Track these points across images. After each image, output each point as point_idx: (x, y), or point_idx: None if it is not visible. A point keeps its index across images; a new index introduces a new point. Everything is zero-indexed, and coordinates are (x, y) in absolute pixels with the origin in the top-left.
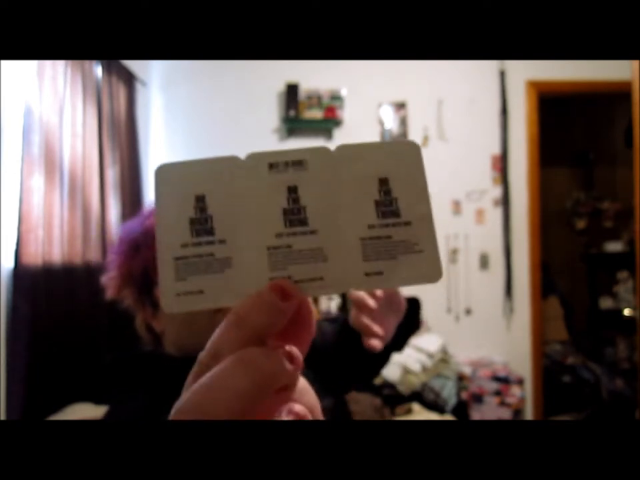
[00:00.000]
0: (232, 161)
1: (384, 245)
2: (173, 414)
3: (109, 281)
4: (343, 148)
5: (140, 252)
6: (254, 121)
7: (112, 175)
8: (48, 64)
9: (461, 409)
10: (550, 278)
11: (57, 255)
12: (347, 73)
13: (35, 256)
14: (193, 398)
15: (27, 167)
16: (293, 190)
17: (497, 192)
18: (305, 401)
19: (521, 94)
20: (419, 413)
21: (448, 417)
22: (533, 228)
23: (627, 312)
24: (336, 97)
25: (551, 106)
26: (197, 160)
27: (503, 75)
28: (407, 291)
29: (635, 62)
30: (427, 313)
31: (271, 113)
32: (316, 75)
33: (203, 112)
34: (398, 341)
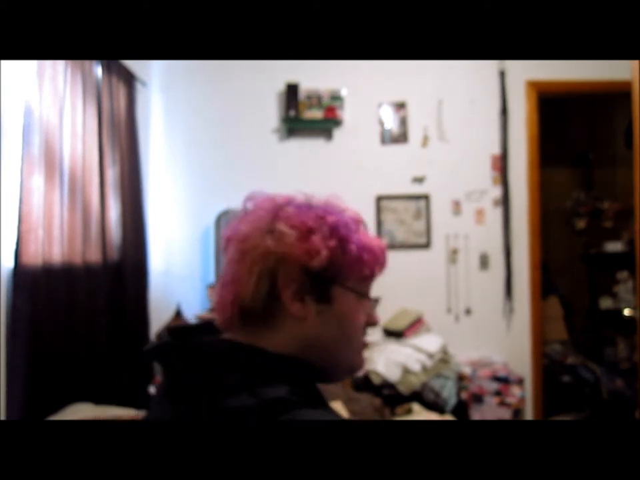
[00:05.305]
0: None
1: None
2: None
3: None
4: None
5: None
6: (254, 121)
7: (112, 174)
8: (48, 64)
9: (461, 409)
10: (550, 278)
11: (57, 255)
12: (347, 73)
13: (34, 256)
14: None
15: (27, 166)
16: None
17: (497, 192)
18: None
19: (521, 94)
20: (419, 413)
21: (448, 417)
22: (532, 228)
23: (626, 312)
24: (336, 97)
25: (551, 106)
26: None
27: (503, 75)
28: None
29: (635, 62)
30: (427, 312)
31: (271, 113)
32: (316, 75)
33: (202, 112)
34: None
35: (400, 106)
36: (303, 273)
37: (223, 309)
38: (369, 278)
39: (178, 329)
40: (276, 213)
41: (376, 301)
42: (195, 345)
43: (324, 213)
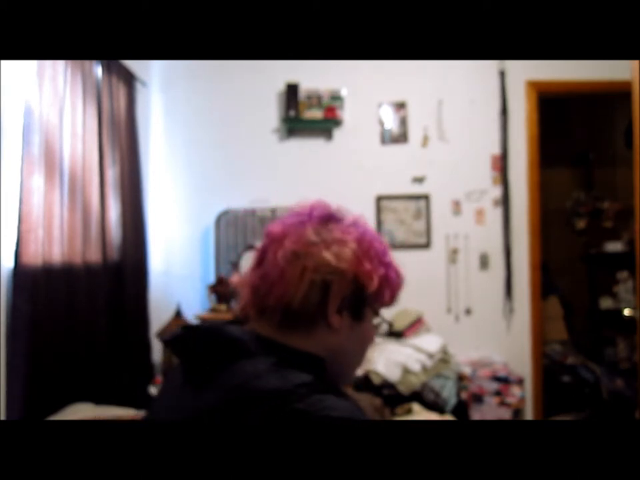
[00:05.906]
0: None
1: None
2: None
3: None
4: None
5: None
6: (254, 121)
7: (112, 174)
8: (48, 64)
9: (461, 409)
10: (550, 278)
11: (57, 255)
12: (347, 73)
13: (34, 256)
14: None
15: (27, 166)
16: None
17: (497, 192)
18: None
19: (521, 94)
20: (419, 413)
21: (448, 417)
22: (532, 228)
23: (626, 312)
24: (336, 97)
25: (551, 106)
26: None
27: (503, 75)
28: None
29: (635, 62)
30: (427, 312)
31: (271, 112)
32: (316, 75)
33: (202, 112)
34: None
35: (400, 106)
36: (352, 291)
37: (259, 302)
38: (389, 303)
39: (193, 326)
40: (332, 226)
41: (391, 324)
42: (221, 332)
43: (372, 238)
